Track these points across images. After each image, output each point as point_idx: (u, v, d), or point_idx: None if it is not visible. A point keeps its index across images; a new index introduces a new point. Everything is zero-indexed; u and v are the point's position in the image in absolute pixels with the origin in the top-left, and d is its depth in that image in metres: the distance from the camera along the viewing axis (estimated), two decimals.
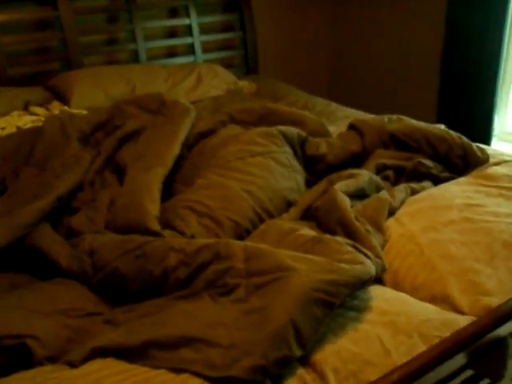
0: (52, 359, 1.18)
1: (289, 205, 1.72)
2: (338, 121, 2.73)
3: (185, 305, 1.20)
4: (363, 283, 1.19)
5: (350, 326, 1.18)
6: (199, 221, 1.52)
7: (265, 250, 1.21)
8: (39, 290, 1.38)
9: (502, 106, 3.42)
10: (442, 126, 2.47)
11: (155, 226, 1.50)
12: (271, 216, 1.65)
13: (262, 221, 1.62)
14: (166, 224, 1.54)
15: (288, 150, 1.86)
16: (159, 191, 1.65)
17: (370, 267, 1.21)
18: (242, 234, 1.55)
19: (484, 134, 3.36)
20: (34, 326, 1.23)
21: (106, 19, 3.35)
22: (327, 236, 1.35)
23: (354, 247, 1.30)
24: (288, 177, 1.77)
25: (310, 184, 1.90)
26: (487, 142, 3.32)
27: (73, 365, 1.14)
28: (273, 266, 1.15)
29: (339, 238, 1.33)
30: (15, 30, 3.03)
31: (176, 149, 1.85)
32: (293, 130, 1.92)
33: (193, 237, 1.46)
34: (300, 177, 1.83)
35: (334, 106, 3.00)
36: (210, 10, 3.62)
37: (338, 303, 1.13)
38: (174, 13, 3.55)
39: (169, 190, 1.83)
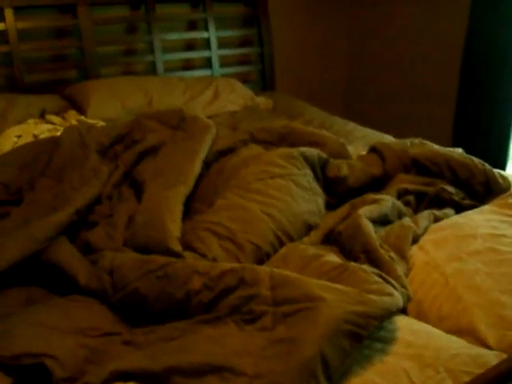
0: (69, 380, 1.16)
1: (309, 228, 1.70)
2: (356, 141, 2.72)
3: (209, 330, 1.18)
4: (391, 315, 1.17)
5: (377, 359, 1.15)
6: (220, 243, 1.50)
7: (292, 277, 1.18)
8: (56, 307, 1.36)
9: None
10: (460, 150, 2.46)
11: (177, 246, 1.48)
12: (291, 239, 1.63)
13: (282, 244, 1.59)
14: (186, 245, 1.51)
15: (308, 172, 1.84)
16: (181, 211, 1.64)
17: (398, 299, 1.19)
18: (262, 257, 1.53)
19: (500, 157, 3.34)
20: (53, 344, 1.20)
21: (125, 30, 3.35)
22: (353, 264, 1.32)
23: (381, 277, 1.28)
24: (308, 200, 1.75)
25: (329, 206, 1.88)
26: (503, 165, 3.31)
27: None
28: (301, 294, 1.13)
29: (366, 267, 1.30)
30: (34, 36, 3.03)
31: (198, 167, 1.84)
32: (313, 152, 1.90)
33: (214, 260, 1.44)
34: (320, 199, 1.81)
35: (351, 125, 2.99)
36: (228, 24, 3.64)
37: (366, 335, 1.11)
38: (192, 26, 3.56)
39: (185, 207, 1.81)
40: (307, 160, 1.86)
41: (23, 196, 1.95)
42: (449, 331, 1.32)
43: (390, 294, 1.18)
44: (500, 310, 1.34)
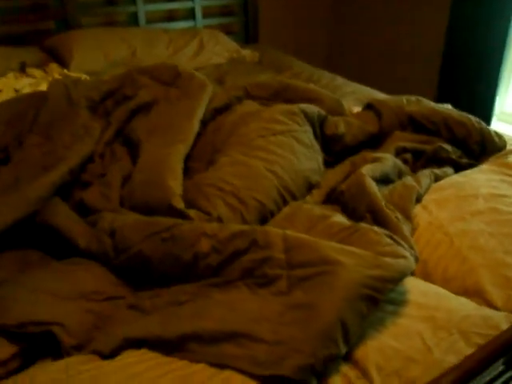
0: (78, 348, 1.13)
1: (310, 186, 1.67)
2: (345, 96, 2.68)
3: (221, 295, 1.15)
4: (405, 277, 1.16)
5: (390, 321, 1.15)
6: (224, 200, 1.46)
7: (306, 240, 1.16)
8: (56, 272, 1.32)
9: (502, 86, 3.38)
10: (449, 106, 2.44)
11: (179, 203, 1.43)
12: (294, 198, 1.60)
13: (285, 202, 1.57)
14: (189, 204, 1.47)
15: (309, 129, 1.80)
16: (181, 169, 1.59)
17: (411, 261, 1.18)
18: (266, 215, 1.50)
19: (485, 113, 3.33)
20: (58, 311, 1.17)
21: None
22: (364, 225, 1.30)
23: (391, 238, 1.26)
24: (310, 157, 1.71)
25: (326, 164, 1.85)
26: (488, 122, 3.31)
27: (103, 355, 1.09)
28: (317, 258, 1.11)
29: (377, 228, 1.28)
30: None
31: (196, 125, 1.78)
32: (313, 109, 1.86)
33: (219, 218, 1.40)
34: (320, 157, 1.78)
35: (339, 80, 2.94)
36: None
37: (383, 299, 1.10)
38: None
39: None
40: (307, 117, 1.82)
41: (10, 154, 1.88)
42: (455, 292, 1.32)
43: (405, 257, 1.17)
44: (505, 270, 1.34)
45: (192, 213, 1.41)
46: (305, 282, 1.09)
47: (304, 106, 1.84)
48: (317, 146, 1.80)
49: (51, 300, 1.22)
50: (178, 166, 1.58)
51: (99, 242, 1.38)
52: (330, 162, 1.87)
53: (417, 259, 1.34)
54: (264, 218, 1.51)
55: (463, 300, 1.26)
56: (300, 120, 1.78)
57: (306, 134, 1.77)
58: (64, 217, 1.49)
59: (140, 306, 1.24)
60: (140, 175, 1.58)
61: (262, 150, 1.64)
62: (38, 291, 1.23)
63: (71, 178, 1.67)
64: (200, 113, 1.84)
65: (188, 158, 1.77)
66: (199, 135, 1.83)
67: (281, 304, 1.08)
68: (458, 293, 1.31)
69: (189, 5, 3.43)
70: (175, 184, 1.50)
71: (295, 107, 1.81)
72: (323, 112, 1.89)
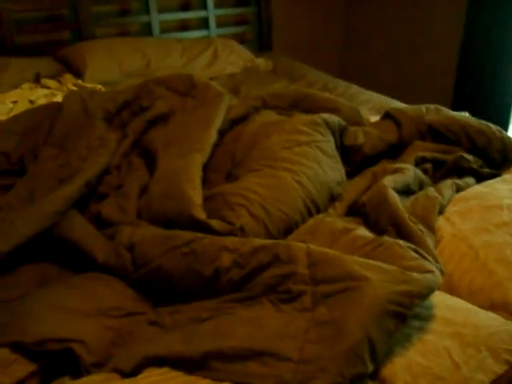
0: (98, 365, 1.11)
1: (332, 198, 1.65)
2: (361, 105, 2.66)
3: (245, 312, 1.12)
4: (432, 292, 1.13)
5: (416, 337, 1.12)
6: (250, 210, 1.43)
7: (330, 254, 1.13)
8: (75, 287, 1.30)
9: None
10: (466, 114, 2.41)
11: (200, 214, 1.40)
12: (318, 209, 1.58)
13: (310, 214, 1.55)
14: (211, 214, 1.44)
15: (331, 139, 1.78)
16: (200, 179, 1.56)
17: (438, 276, 1.15)
18: (291, 226, 1.48)
19: (501, 122, 3.29)
20: (78, 328, 1.15)
21: None
22: (388, 239, 1.28)
23: (416, 252, 1.24)
24: (334, 168, 1.69)
25: (346, 175, 1.83)
26: (504, 130, 3.26)
27: (123, 373, 1.07)
28: (342, 273, 1.08)
29: (401, 242, 1.25)
30: None
31: (213, 135, 1.76)
32: (334, 118, 1.84)
33: (242, 229, 1.38)
34: (343, 168, 1.75)
35: (354, 88, 2.92)
36: None
37: (410, 315, 1.07)
38: None
39: None
40: (329, 126, 1.80)
41: (25, 166, 1.87)
42: (481, 306, 1.28)
43: (432, 271, 1.14)
44: None
45: (214, 223, 1.38)
46: (330, 299, 1.07)
47: (325, 115, 1.82)
48: (339, 157, 1.77)
49: (70, 317, 1.20)
50: (197, 176, 1.56)
51: (118, 256, 1.36)
52: (350, 172, 1.85)
53: (442, 272, 1.31)
54: (289, 229, 1.48)
55: (490, 315, 1.23)
56: (323, 130, 1.76)
57: (330, 144, 1.75)
58: (81, 230, 1.47)
59: (160, 323, 1.22)
60: (157, 186, 1.56)
61: (288, 162, 1.62)
62: (57, 308, 1.21)
63: (88, 190, 1.66)
64: (218, 122, 1.82)
65: (205, 169, 1.75)
66: (216, 146, 1.81)
67: (306, 321, 1.05)
68: (484, 307, 1.28)
69: (202, 14, 3.43)
70: (195, 194, 1.47)
71: (317, 117, 1.79)
72: (343, 122, 1.87)
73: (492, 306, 1.29)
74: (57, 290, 1.29)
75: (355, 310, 1.01)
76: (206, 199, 1.50)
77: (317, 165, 1.64)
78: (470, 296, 1.33)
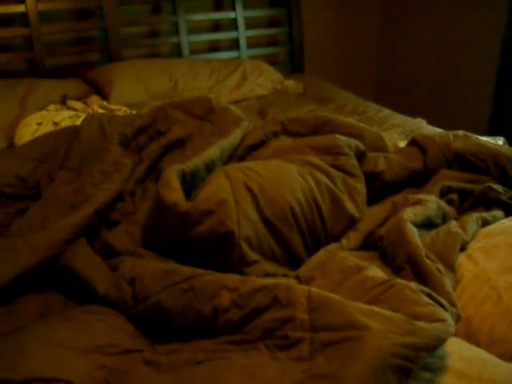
0: None
1: (351, 220, 1.58)
2: (391, 129, 2.58)
3: (240, 357, 1.05)
4: (443, 343, 1.04)
5: None
6: (245, 182, 1.44)
7: (332, 300, 1.06)
8: (74, 321, 1.25)
9: None
10: (501, 140, 2.30)
11: (182, 207, 1.39)
12: (320, 212, 1.52)
13: (311, 210, 1.50)
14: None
15: (353, 156, 1.72)
16: (178, 179, 1.52)
17: (450, 325, 1.05)
18: (286, 211, 1.45)
19: None
20: (69, 367, 1.10)
21: (149, 10, 3.22)
22: (400, 281, 1.19)
23: (430, 296, 1.15)
24: (348, 185, 1.62)
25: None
26: None
27: None
28: (343, 321, 1.00)
29: (414, 285, 1.17)
30: (55, 18, 2.92)
31: (212, 151, 1.71)
32: (352, 142, 1.76)
33: (236, 200, 1.39)
34: (364, 189, 1.68)
35: (385, 111, 2.84)
36: (256, 3, 3.49)
37: (416, 369, 0.98)
38: (218, 5, 3.41)
39: None
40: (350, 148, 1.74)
41: (41, 190, 1.86)
42: (502, 356, 1.18)
43: (443, 320, 1.05)
44: None
45: (198, 200, 1.39)
46: (328, 348, 0.99)
47: (343, 137, 1.75)
48: (363, 177, 1.71)
49: (63, 354, 1.15)
50: (172, 178, 1.50)
51: (118, 289, 1.32)
52: (369, 199, 1.77)
53: (459, 317, 1.21)
54: (285, 213, 1.44)
55: (511, 367, 1.13)
56: (345, 149, 1.71)
57: (352, 161, 1.70)
58: (85, 260, 1.43)
59: (156, 362, 1.16)
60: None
61: (297, 162, 1.61)
62: (50, 342, 1.17)
63: (97, 218, 1.62)
64: (225, 142, 1.78)
65: None
66: None
67: (302, 372, 0.97)
68: (505, 356, 1.18)
69: (233, 35, 3.41)
70: (174, 195, 1.43)
71: (336, 137, 1.74)
72: (362, 146, 1.79)
73: None
74: (53, 323, 1.26)
75: (354, 364, 0.93)
76: None
77: (326, 176, 1.60)
78: (491, 344, 1.23)
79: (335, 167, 1.66)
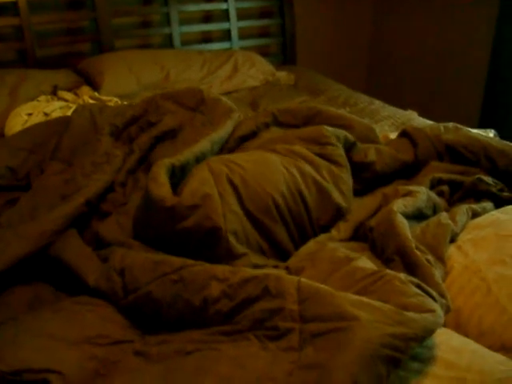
0: None
1: (337, 210, 1.58)
2: (383, 121, 2.58)
3: (229, 348, 1.06)
4: (432, 333, 1.04)
5: (414, 382, 1.03)
6: (229, 177, 1.45)
7: (322, 290, 1.06)
8: (65, 312, 1.25)
9: None
10: (492, 132, 2.31)
11: (166, 202, 1.40)
12: (305, 202, 1.52)
13: (295, 202, 1.50)
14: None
15: (340, 146, 1.72)
16: (166, 174, 1.51)
17: (439, 316, 1.06)
18: (268, 204, 1.46)
19: None
20: (59, 358, 1.10)
21: (141, 1, 3.20)
22: (389, 272, 1.19)
23: (419, 287, 1.15)
24: (336, 175, 1.63)
25: (355, 193, 1.75)
26: None
27: None
28: (332, 312, 1.00)
29: (403, 276, 1.17)
30: (45, 8, 2.90)
31: (202, 144, 1.70)
32: (341, 132, 1.77)
33: (220, 193, 1.40)
34: (351, 180, 1.69)
35: (377, 103, 2.84)
36: None
37: (405, 359, 0.99)
38: None
39: None
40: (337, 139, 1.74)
41: (31, 181, 1.85)
42: (490, 346, 1.19)
43: (432, 310, 1.05)
44: None
45: (183, 197, 1.39)
46: (318, 339, 0.99)
47: (331, 128, 1.75)
48: (348, 167, 1.72)
49: (53, 345, 1.15)
50: (161, 173, 1.50)
51: (108, 280, 1.31)
52: (359, 190, 1.78)
53: (448, 309, 1.22)
54: (267, 206, 1.45)
55: (499, 358, 1.13)
56: (332, 140, 1.71)
57: (339, 151, 1.70)
58: (75, 252, 1.43)
59: (146, 353, 1.16)
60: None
61: (282, 153, 1.62)
62: (40, 334, 1.17)
63: (88, 209, 1.62)
64: (215, 135, 1.77)
65: None
66: None
67: (291, 362, 0.98)
68: (493, 348, 1.18)
69: (225, 26, 3.39)
70: (161, 190, 1.43)
71: (323, 128, 1.75)
72: (351, 137, 1.80)
73: (502, 348, 1.19)
74: (43, 315, 1.25)
75: (343, 354, 0.93)
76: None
77: (312, 166, 1.60)
78: (480, 335, 1.23)
79: (321, 156, 1.66)
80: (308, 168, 1.59)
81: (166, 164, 1.54)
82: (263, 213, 1.45)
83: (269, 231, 1.46)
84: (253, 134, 1.88)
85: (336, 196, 1.59)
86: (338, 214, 1.59)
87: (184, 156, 1.63)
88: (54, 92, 2.65)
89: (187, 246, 1.38)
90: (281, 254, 1.48)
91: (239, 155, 1.61)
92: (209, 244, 1.36)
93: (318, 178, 1.59)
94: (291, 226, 1.49)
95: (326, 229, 1.56)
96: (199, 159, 1.66)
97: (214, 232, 1.35)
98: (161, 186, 1.45)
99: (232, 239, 1.37)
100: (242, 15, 3.43)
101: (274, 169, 1.53)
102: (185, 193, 1.41)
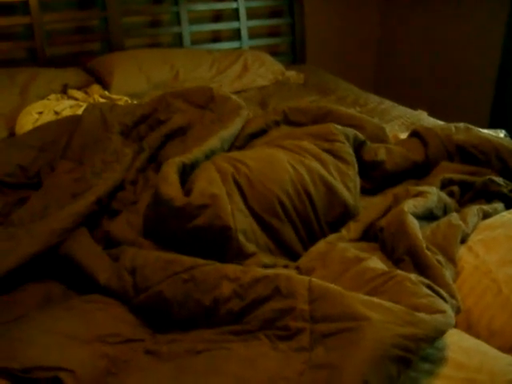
0: None
1: (345, 207, 1.58)
2: (392, 120, 2.58)
3: (240, 347, 1.06)
4: (443, 334, 1.04)
5: (424, 383, 1.03)
6: (234, 175, 1.45)
7: (332, 290, 1.06)
8: (76, 311, 1.26)
9: None
10: (502, 133, 2.30)
11: (177, 202, 1.40)
12: (312, 201, 1.52)
13: (301, 201, 1.50)
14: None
15: (348, 144, 1.72)
16: (176, 173, 1.52)
17: (450, 316, 1.06)
18: (274, 204, 1.46)
19: None
20: (70, 356, 1.11)
21: (151, 0, 3.21)
22: (400, 272, 1.19)
23: (430, 287, 1.15)
24: (344, 173, 1.64)
25: (364, 191, 1.77)
26: None
27: None
28: (343, 312, 1.01)
29: (414, 277, 1.17)
30: (56, 7, 2.92)
31: (212, 142, 1.71)
32: (350, 131, 1.77)
33: (229, 193, 1.41)
34: (358, 178, 1.69)
35: (387, 103, 2.83)
36: None
37: (416, 360, 0.99)
38: None
39: None
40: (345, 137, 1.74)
41: (42, 179, 1.86)
42: (501, 348, 1.18)
43: (442, 311, 1.05)
44: None
45: (192, 198, 1.40)
46: (329, 339, 0.99)
47: (340, 126, 1.75)
48: (356, 165, 1.71)
49: (65, 343, 1.15)
50: (171, 172, 1.51)
51: (119, 279, 1.32)
52: (369, 189, 1.78)
53: (459, 309, 1.22)
54: (272, 206, 1.45)
55: (510, 359, 1.12)
56: (339, 137, 1.72)
57: (345, 148, 1.70)
58: (86, 250, 1.44)
59: (157, 352, 1.16)
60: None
61: (288, 149, 1.62)
62: (52, 333, 1.17)
63: (98, 207, 1.63)
64: (224, 132, 1.78)
65: None
66: None
67: (302, 362, 0.98)
68: (504, 349, 1.18)
69: (235, 25, 3.39)
70: (170, 189, 1.44)
71: (331, 125, 1.76)
72: (361, 136, 1.80)
73: None
74: (55, 313, 1.26)
75: (354, 354, 0.93)
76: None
77: (319, 162, 1.60)
78: (490, 336, 1.23)
79: (328, 152, 1.67)
80: (315, 164, 1.59)
81: (176, 163, 1.54)
82: (269, 213, 1.45)
83: (275, 231, 1.46)
84: (262, 132, 1.89)
85: (343, 193, 1.59)
86: (346, 212, 1.59)
87: (194, 154, 1.63)
88: (64, 91, 2.66)
89: (198, 245, 1.38)
90: (288, 253, 1.48)
91: (245, 153, 1.61)
92: (219, 243, 1.37)
93: (326, 174, 1.58)
94: (298, 225, 1.49)
95: (333, 226, 1.56)
96: (209, 157, 1.67)
97: (225, 231, 1.35)
98: (171, 185, 1.45)
99: (242, 238, 1.37)
100: (252, 14, 3.44)
101: (280, 167, 1.53)
102: (194, 192, 1.41)
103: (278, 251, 1.46)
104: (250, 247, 1.40)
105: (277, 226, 1.46)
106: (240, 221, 1.39)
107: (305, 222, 1.52)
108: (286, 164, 1.54)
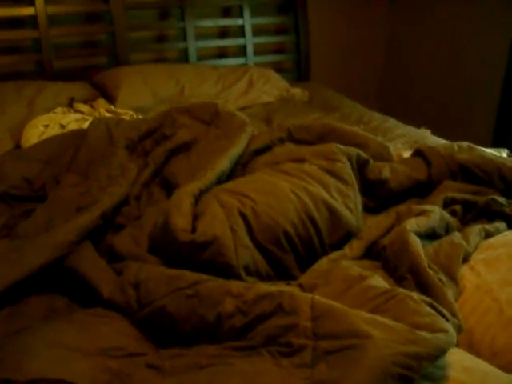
0: None
1: (342, 227, 1.59)
2: (396, 139, 2.59)
3: (243, 363, 1.07)
4: (445, 353, 1.05)
5: None
6: (239, 209, 1.45)
7: (335, 308, 1.07)
8: (80, 324, 1.26)
9: None
10: (505, 152, 2.31)
11: (184, 237, 1.39)
12: (316, 227, 1.52)
13: (306, 229, 1.50)
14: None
15: (349, 165, 1.73)
16: (191, 204, 1.52)
17: (452, 335, 1.06)
18: (279, 235, 1.46)
19: None
20: (73, 369, 1.11)
21: (157, 15, 3.24)
22: (402, 291, 1.20)
23: (431, 306, 1.16)
24: (345, 194, 1.66)
25: (367, 209, 1.79)
26: None
27: None
28: (346, 330, 1.01)
29: (415, 295, 1.18)
30: (64, 21, 2.95)
31: (224, 163, 1.72)
32: (353, 150, 1.78)
33: (232, 229, 1.40)
34: (359, 197, 1.72)
35: (390, 121, 2.84)
36: (263, 10, 3.50)
37: (417, 379, 0.99)
38: (226, 12, 3.43)
39: None
40: (346, 155, 1.76)
41: (47, 192, 1.87)
42: (503, 367, 1.19)
43: (444, 330, 1.05)
44: None
45: (197, 234, 1.39)
46: (331, 356, 1.00)
47: (342, 146, 1.77)
48: (356, 185, 1.73)
49: (68, 355, 1.16)
50: (186, 201, 1.51)
51: (123, 293, 1.33)
52: (373, 208, 1.79)
53: (460, 328, 1.23)
54: (277, 237, 1.46)
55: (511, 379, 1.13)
56: (339, 157, 1.73)
57: (346, 169, 1.72)
58: (90, 264, 1.44)
59: (160, 367, 1.17)
60: (160, 218, 1.53)
61: (289, 174, 1.63)
62: (55, 344, 1.18)
63: (103, 222, 1.64)
64: (233, 151, 1.79)
65: None
66: (237, 177, 1.77)
67: (303, 379, 0.98)
68: (506, 369, 1.18)
69: (240, 42, 3.43)
70: (182, 221, 1.44)
71: (332, 146, 1.79)
72: (364, 155, 1.81)
73: None
74: (58, 325, 1.26)
75: (356, 372, 0.94)
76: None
77: (321, 185, 1.61)
78: (492, 355, 1.23)
79: (329, 172, 1.68)
80: (317, 189, 1.60)
81: (193, 192, 1.56)
82: (274, 244, 1.46)
83: (277, 259, 1.47)
84: (267, 148, 1.90)
85: (346, 215, 1.60)
86: (348, 233, 1.60)
87: (208, 178, 1.65)
88: (70, 104, 2.69)
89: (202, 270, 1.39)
90: (287, 278, 1.49)
91: (247, 185, 1.59)
92: (222, 273, 1.38)
93: (328, 198, 1.59)
94: (301, 252, 1.50)
95: (335, 247, 1.57)
96: (220, 178, 1.70)
97: (228, 268, 1.36)
98: (182, 216, 1.45)
99: (243, 273, 1.38)
100: (258, 31, 3.47)
101: (284, 197, 1.53)
102: (198, 230, 1.41)
103: (277, 278, 1.47)
104: (250, 280, 1.40)
105: (280, 255, 1.47)
106: (242, 257, 1.39)
107: (308, 248, 1.53)
108: (289, 193, 1.54)
